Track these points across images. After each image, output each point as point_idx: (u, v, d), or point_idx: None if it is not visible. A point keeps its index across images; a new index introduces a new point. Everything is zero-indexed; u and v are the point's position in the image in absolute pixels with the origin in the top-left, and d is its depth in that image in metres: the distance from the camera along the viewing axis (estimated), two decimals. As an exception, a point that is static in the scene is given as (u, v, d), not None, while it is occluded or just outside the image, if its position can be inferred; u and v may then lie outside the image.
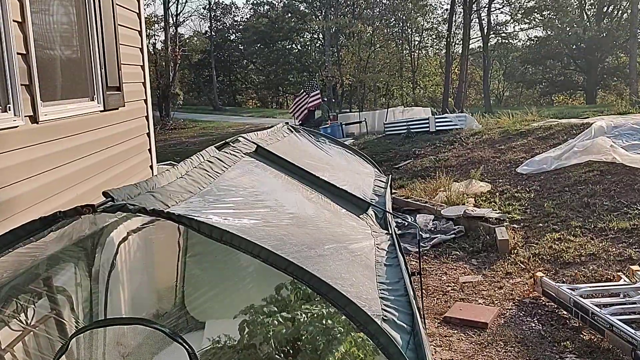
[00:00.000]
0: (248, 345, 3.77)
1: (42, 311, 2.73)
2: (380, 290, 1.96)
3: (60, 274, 3.05)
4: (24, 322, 2.55)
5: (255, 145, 3.14)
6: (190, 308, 4.94)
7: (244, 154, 2.98)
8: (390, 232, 2.79)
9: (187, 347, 1.55)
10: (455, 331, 4.92)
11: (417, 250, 7.01)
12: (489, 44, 34.03)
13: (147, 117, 5.65)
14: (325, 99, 23.54)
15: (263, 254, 1.54)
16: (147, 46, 7.93)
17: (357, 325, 1.55)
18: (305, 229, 2.26)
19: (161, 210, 1.51)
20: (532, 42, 37.84)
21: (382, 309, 1.78)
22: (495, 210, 7.76)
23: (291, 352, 3.33)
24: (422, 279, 6.11)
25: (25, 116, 3.09)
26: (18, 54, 3.11)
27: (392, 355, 1.53)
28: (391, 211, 3.35)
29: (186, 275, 4.90)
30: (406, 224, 7.92)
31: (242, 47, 45.99)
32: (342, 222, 2.73)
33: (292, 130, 4.53)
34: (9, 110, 2.93)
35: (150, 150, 5.78)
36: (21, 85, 3.08)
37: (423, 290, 4.18)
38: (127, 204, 1.48)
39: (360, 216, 3.00)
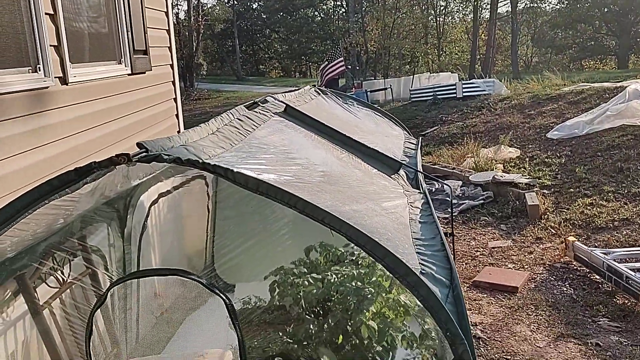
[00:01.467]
0: (278, 306, 3.80)
1: (77, 270, 2.77)
2: (416, 246, 1.92)
3: (94, 234, 3.09)
4: (61, 280, 2.59)
5: (284, 105, 3.09)
6: (220, 271, 4.99)
7: (273, 113, 2.94)
8: (422, 191, 2.73)
9: (224, 298, 1.55)
10: (485, 295, 4.89)
11: (446, 215, 6.97)
12: (517, 8, 33.06)
13: (173, 83, 5.64)
14: (349, 67, 23.25)
15: (300, 205, 1.51)
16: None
17: (396, 276, 1.52)
18: (337, 186, 2.23)
19: (196, 160, 1.48)
20: (561, 5, 36.63)
21: (419, 263, 1.74)
22: (525, 175, 7.62)
23: (321, 312, 3.34)
24: (450, 244, 6.08)
25: (55, 77, 3.09)
26: (46, 14, 3.09)
27: (432, 307, 1.50)
28: (422, 171, 3.29)
29: (215, 238, 4.94)
30: (434, 189, 7.84)
31: (264, 16, 45.52)
32: (374, 181, 2.69)
33: (320, 92, 4.46)
34: (39, 70, 2.93)
35: (177, 116, 5.78)
36: (50, 45, 3.07)
37: (454, 252, 4.13)
38: (161, 154, 1.46)
39: (392, 176, 2.95)
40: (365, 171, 2.77)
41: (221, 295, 1.52)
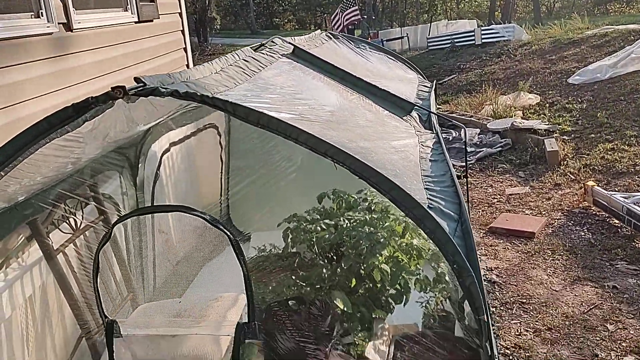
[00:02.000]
0: (292, 252, 3.81)
1: (90, 217, 2.79)
2: (425, 182, 1.88)
3: (107, 182, 3.09)
4: (74, 225, 2.61)
5: (293, 47, 3.01)
6: (235, 221, 5.03)
7: (281, 55, 2.86)
8: (435, 132, 2.67)
9: (228, 233, 1.53)
10: (501, 241, 4.85)
11: (462, 164, 6.88)
12: (540, -49, 31.71)
13: (183, 32, 5.54)
14: (365, 17, 22.69)
15: (302, 137, 1.47)
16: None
17: (403, 209, 1.48)
18: (346, 125, 2.18)
19: (194, 93, 1.44)
20: (587, -54, 35.08)
21: (427, 198, 1.70)
22: (545, 122, 7.46)
23: (335, 257, 3.35)
24: (467, 192, 6.02)
25: (58, 23, 3.04)
26: (47, -42, 3.02)
27: (440, 240, 1.46)
28: (435, 112, 3.21)
29: (230, 189, 4.94)
30: (450, 138, 7.73)
31: (278, -34, 44.45)
32: (385, 122, 2.62)
33: (331, 36, 4.35)
34: (42, 16, 2.88)
35: (187, 66, 5.71)
36: (52, -9, 3.01)
37: (469, 199, 4.09)
38: (159, 88, 1.42)
39: (404, 118, 2.88)
40: (376, 112, 2.71)
41: (224, 230, 1.50)
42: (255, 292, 3.38)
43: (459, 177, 3.18)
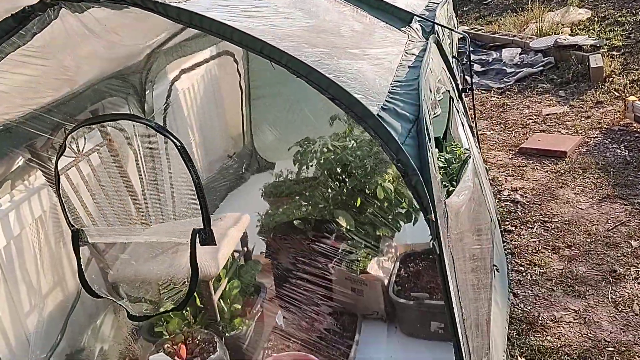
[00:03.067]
0: (308, 177, 3.84)
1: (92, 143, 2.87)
2: (392, 86, 1.81)
3: (112, 109, 3.16)
4: (77, 150, 2.70)
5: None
6: (260, 150, 5.08)
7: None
8: (432, 41, 2.54)
9: (175, 141, 1.55)
10: (531, 161, 4.69)
11: (501, 85, 6.60)
12: None
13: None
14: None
15: (235, 36, 1.43)
16: None
17: (343, 108, 1.43)
18: (320, 34, 2.10)
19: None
20: None
21: (386, 100, 1.65)
22: (593, 37, 6.97)
23: (342, 177, 3.34)
24: (501, 114, 5.80)
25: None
26: None
27: (383, 138, 1.42)
28: (442, 24, 3.05)
29: (253, 118, 4.97)
30: (490, 60, 7.40)
31: None
32: (374, 32, 2.52)
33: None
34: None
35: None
36: None
37: (475, 111, 3.92)
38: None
39: (402, 29, 2.76)
40: (368, 24, 2.60)
41: (171, 138, 1.52)
42: (268, 215, 3.46)
43: (464, 90, 3.06)
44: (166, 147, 3.68)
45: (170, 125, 3.84)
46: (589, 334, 2.81)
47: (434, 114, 2.09)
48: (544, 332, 2.84)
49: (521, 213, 3.94)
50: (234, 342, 2.59)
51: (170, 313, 2.32)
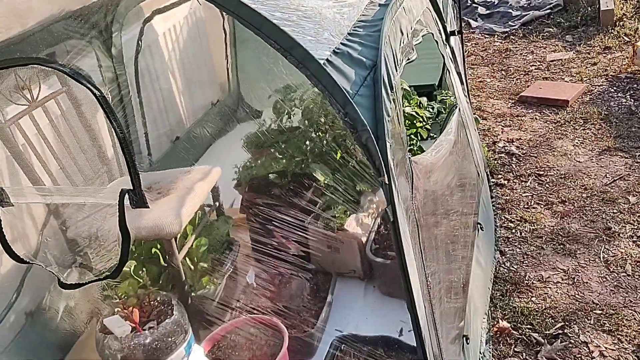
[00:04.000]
0: (293, 127, 3.64)
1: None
2: (355, 28, 1.59)
3: (80, 55, 2.95)
4: (30, 98, 2.51)
5: None
6: (247, 98, 4.86)
7: None
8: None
9: (92, 88, 1.36)
10: (530, 111, 4.45)
11: (506, 29, 6.26)
12: None
13: None
14: None
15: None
16: None
17: (278, 49, 1.23)
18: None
19: None
20: None
21: (340, 43, 1.44)
22: (606, -23, 6.55)
23: (325, 127, 3.15)
24: (504, 60, 5.51)
25: None
26: None
27: (326, 87, 1.22)
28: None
29: (238, 64, 4.72)
30: (496, 2, 7.01)
31: None
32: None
33: None
34: None
35: None
36: None
37: (464, 56, 3.66)
38: None
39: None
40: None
41: (88, 85, 1.34)
42: (245, 167, 3.29)
43: (452, 33, 2.81)
44: (140, 97, 3.49)
45: (148, 70, 3.62)
46: (577, 295, 2.67)
47: (408, 59, 1.87)
48: (529, 293, 2.70)
49: (516, 166, 3.75)
50: (200, 302, 2.47)
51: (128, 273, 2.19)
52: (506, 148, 3.96)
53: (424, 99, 3.25)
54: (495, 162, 3.78)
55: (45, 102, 2.59)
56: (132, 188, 1.36)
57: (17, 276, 2.49)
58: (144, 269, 2.25)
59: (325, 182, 2.83)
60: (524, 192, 3.46)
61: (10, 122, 2.37)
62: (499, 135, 4.13)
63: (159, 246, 2.47)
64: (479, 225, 2.62)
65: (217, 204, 2.88)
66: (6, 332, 2.37)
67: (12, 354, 2.34)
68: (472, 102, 4.60)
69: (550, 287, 2.73)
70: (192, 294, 2.45)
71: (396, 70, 1.58)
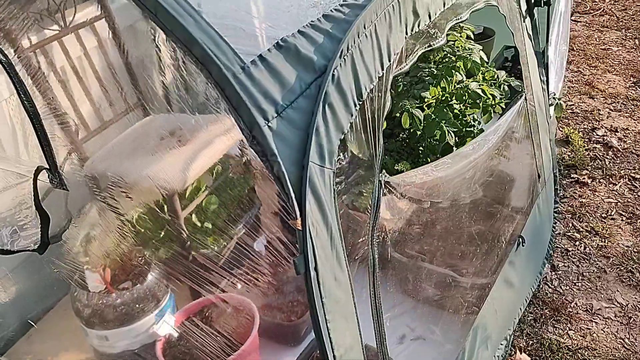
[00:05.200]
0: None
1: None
2: (326, 15, 1.25)
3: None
4: (62, 24, 2.43)
5: None
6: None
7: None
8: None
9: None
10: (652, 95, 3.72)
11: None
12: None
13: None
14: None
15: None
16: None
17: (168, 35, 0.95)
18: None
19: None
20: None
21: (292, 34, 1.13)
22: None
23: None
24: None
25: None
26: None
27: (238, 109, 0.95)
28: None
29: None
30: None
31: None
32: None
33: None
34: None
35: None
36: None
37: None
38: None
39: None
40: None
41: None
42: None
43: (537, 4, 2.29)
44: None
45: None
46: (626, 340, 2.24)
47: (429, 45, 1.51)
48: (568, 325, 2.31)
49: (609, 162, 3.17)
50: (201, 262, 2.37)
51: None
52: (605, 138, 3.36)
53: (502, 73, 2.76)
54: (586, 153, 3.23)
55: (78, 29, 2.50)
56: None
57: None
58: (146, 219, 2.18)
59: (359, 153, 2.54)
60: (608, 198, 2.93)
61: (36, 46, 2.31)
62: (601, 121, 3.51)
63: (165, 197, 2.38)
64: (520, 239, 2.23)
65: (244, 158, 2.71)
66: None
67: (18, 277, 2.41)
68: (582, 74, 3.94)
69: (596, 322, 2.32)
70: (192, 252, 2.35)
71: (381, 67, 1.24)
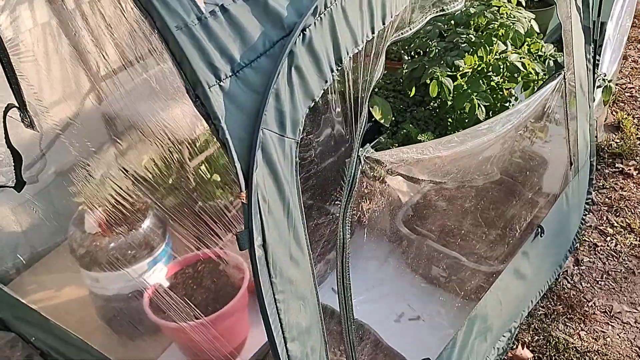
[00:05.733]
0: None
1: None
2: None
3: None
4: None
5: None
6: None
7: None
8: None
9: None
10: None
11: None
12: None
13: None
14: None
15: None
16: None
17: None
18: None
19: None
20: None
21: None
22: None
23: (411, 54, 2.65)
24: None
25: None
26: None
27: (181, 64, 0.85)
28: None
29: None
30: None
31: None
32: None
33: None
34: None
35: None
36: None
37: None
38: None
39: None
40: None
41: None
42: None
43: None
44: None
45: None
46: (643, 350, 2.07)
47: (442, 9, 1.36)
48: (581, 325, 2.16)
49: (659, 155, 2.91)
50: (209, 213, 2.34)
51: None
52: (656, 129, 3.08)
53: (550, 46, 2.53)
54: (637, 142, 2.97)
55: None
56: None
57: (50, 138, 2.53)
58: (154, 164, 2.15)
59: (382, 121, 2.41)
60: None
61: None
62: None
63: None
64: (539, 229, 2.07)
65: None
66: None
67: (31, 209, 2.45)
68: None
69: (613, 326, 2.15)
70: (198, 202, 2.32)
71: (372, 31, 1.11)
